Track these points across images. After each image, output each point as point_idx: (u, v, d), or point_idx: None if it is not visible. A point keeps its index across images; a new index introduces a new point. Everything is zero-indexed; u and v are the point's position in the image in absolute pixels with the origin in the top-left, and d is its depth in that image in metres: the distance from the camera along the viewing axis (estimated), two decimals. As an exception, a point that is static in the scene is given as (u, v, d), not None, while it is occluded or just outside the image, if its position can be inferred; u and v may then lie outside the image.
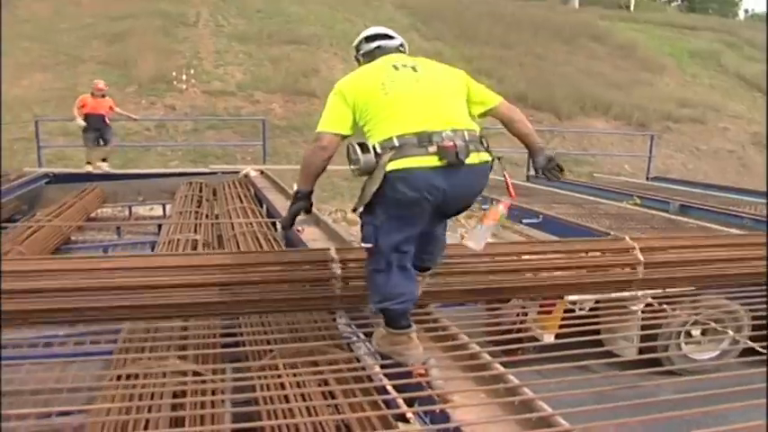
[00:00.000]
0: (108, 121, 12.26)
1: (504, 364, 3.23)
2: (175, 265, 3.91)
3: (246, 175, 10.56)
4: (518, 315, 5.01)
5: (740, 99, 24.75)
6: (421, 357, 3.34)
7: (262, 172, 10.68)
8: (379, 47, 3.63)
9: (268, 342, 3.54)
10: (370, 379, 3.23)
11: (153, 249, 5.93)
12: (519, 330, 4.75)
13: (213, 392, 3.01)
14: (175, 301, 3.68)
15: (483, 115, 3.52)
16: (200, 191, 9.37)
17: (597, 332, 4.20)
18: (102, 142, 12.25)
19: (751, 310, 4.84)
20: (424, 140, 3.02)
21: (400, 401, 2.98)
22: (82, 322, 3.76)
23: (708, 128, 22.19)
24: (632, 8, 42.55)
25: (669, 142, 21.00)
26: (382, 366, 3.35)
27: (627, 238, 4.94)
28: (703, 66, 28.64)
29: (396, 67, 3.32)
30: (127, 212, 11.03)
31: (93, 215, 9.58)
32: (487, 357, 3.33)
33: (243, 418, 2.90)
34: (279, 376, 3.12)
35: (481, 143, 3.20)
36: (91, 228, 7.04)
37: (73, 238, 8.34)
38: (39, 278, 3.61)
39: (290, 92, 19.48)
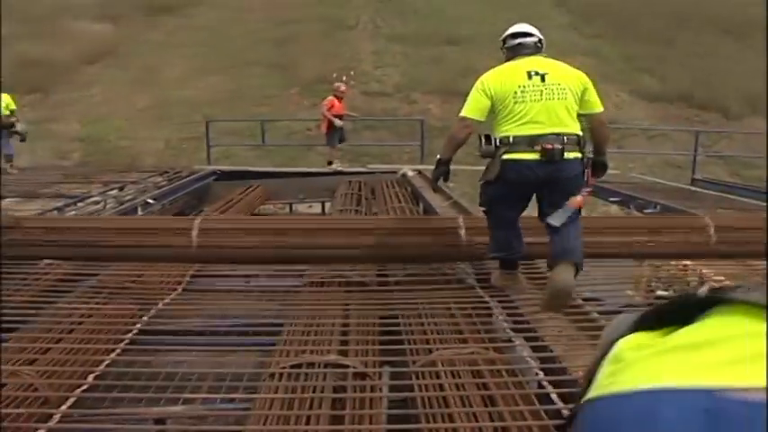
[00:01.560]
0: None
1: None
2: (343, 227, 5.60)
3: (404, 175, 10.66)
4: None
5: None
6: (524, 290, 4.50)
7: (419, 172, 10.76)
8: (520, 44, 4.38)
9: (428, 342, 3.54)
10: (529, 385, 3.16)
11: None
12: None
13: (372, 390, 3.03)
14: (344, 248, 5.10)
15: (584, 114, 4.27)
16: (359, 189, 9.55)
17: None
18: (339, 142, 12.98)
19: None
20: (532, 141, 4.04)
21: (566, 413, 2.88)
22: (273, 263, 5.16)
23: None
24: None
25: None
26: (545, 373, 3.28)
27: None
28: None
29: (529, 75, 4.15)
30: (288, 209, 11.41)
31: (255, 211, 9.96)
32: None
33: (399, 419, 2.90)
34: (438, 376, 3.12)
35: (578, 144, 4.12)
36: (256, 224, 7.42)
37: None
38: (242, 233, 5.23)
39: (448, 92, 19.49)
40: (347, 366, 3.17)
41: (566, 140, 4.03)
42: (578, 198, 4.10)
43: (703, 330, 0.73)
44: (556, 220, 4.08)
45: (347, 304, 4.18)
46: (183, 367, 3.31)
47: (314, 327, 3.73)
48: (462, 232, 5.14)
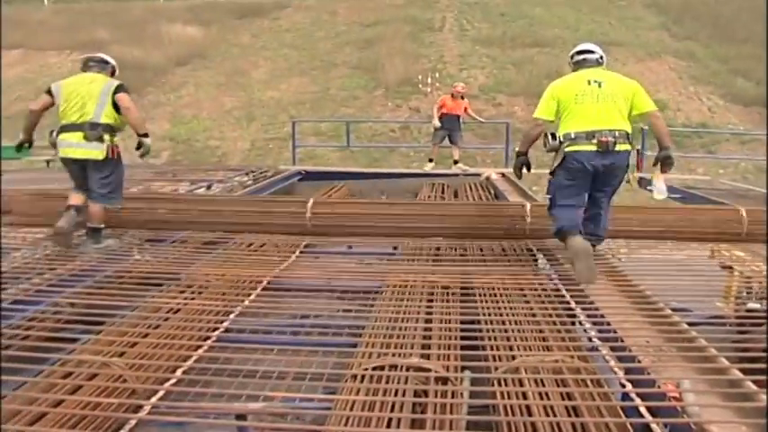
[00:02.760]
0: (462, 122, 12.85)
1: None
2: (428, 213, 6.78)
3: (488, 178, 10.58)
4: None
5: None
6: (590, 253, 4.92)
7: (503, 174, 10.66)
8: (584, 59, 5.42)
9: (511, 348, 3.49)
10: (615, 396, 3.07)
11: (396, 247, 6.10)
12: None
13: (453, 395, 3.00)
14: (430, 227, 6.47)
15: (639, 116, 5.19)
16: (443, 192, 9.52)
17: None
18: (450, 141, 12.88)
19: None
20: (590, 136, 4.99)
21: (654, 427, 2.77)
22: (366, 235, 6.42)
23: None
24: None
25: None
26: (633, 385, 3.18)
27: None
28: None
29: (588, 82, 5.16)
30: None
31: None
32: (752, 387, 2.98)
33: (480, 426, 2.85)
34: (521, 384, 3.06)
35: (627, 138, 5.08)
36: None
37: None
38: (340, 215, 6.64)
39: (533, 95, 19.20)
40: (429, 370, 3.15)
41: (617, 135, 5.00)
42: (656, 173, 5.38)
43: None
44: (658, 191, 5.56)
45: (430, 308, 4.17)
46: (264, 365, 3.35)
47: (396, 330, 3.73)
48: (528, 215, 6.43)
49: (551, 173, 5.22)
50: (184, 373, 3.27)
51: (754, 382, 3.02)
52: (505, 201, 8.36)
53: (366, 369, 3.14)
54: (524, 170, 5.55)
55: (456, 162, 12.78)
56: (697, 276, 5.23)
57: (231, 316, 4.05)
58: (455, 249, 5.91)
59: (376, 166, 15.55)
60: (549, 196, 5.35)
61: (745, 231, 6.32)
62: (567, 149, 5.01)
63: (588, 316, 4.13)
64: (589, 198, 5.31)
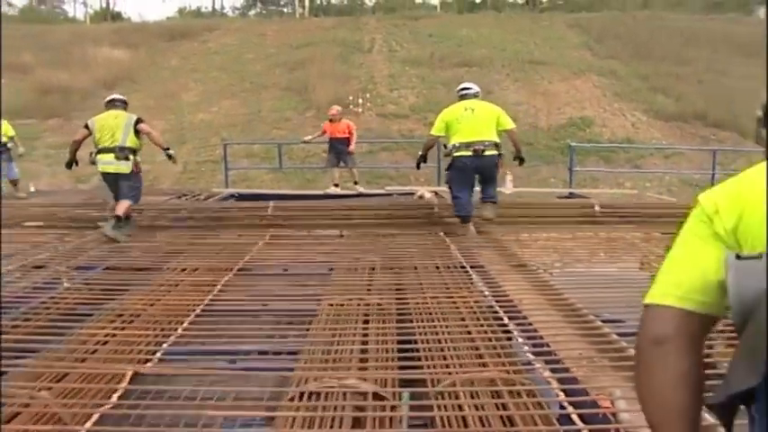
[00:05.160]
0: (350, 145, 12.90)
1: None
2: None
3: (421, 197, 10.66)
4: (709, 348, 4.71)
5: None
6: (474, 237, 7.61)
7: (436, 193, 10.76)
8: (465, 93, 7.91)
9: (447, 366, 3.52)
10: (549, 407, 3.14)
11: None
12: (706, 366, 4.47)
13: (392, 411, 3.03)
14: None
15: (503, 130, 7.70)
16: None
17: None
18: (342, 164, 13.01)
19: None
20: (469, 145, 7.48)
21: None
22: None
23: None
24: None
25: None
26: (566, 395, 3.26)
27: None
28: None
29: (465, 109, 7.68)
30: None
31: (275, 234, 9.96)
32: None
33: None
34: (457, 397, 3.10)
35: (495, 147, 7.56)
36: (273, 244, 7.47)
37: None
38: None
39: (463, 114, 19.57)
40: (365, 390, 3.17)
41: (486, 144, 7.51)
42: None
43: None
44: (506, 189, 8.52)
45: (366, 328, 4.18)
46: (202, 391, 3.31)
47: (333, 352, 3.73)
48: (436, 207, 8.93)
49: (447, 169, 7.98)
50: (120, 398, 3.20)
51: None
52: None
53: (304, 391, 3.14)
54: (422, 164, 8.63)
55: (336, 185, 12.91)
56: (629, 288, 5.36)
57: (164, 345, 3.99)
58: (390, 269, 5.95)
59: (309, 187, 15.54)
60: (447, 186, 8.05)
61: (599, 218, 8.71)
62: (454, 155, 7.62)
63: (522, 331, 4.20)
64: (480, 183, 7.82)
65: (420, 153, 8.44)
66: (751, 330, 1.21)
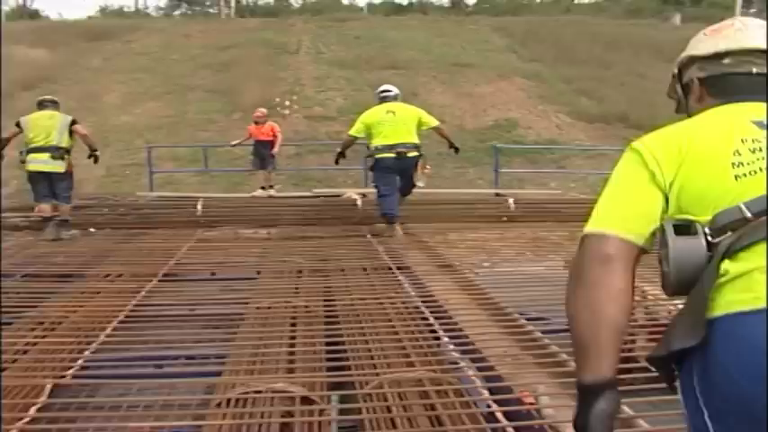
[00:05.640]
0: (273, 148, 12.85)
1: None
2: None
3: (350, 199, 10.69)
4: (626, 343, 4.85)
5: None
6: (401, 235, 7.85)
7: (364, 195, 10.79)
8: (385, 96, 8.11)
9: (375, 366, 3.55)
10: (476, 405, 3.19)
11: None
12: (627, 360, 4.61)
13: (320, 415, 3.02)
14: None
15: (428, 128, 8.12)
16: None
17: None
18: (261, 166, 12.96)
19: None
20: (391, 147, 7.71)
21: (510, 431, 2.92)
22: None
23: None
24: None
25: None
26: (492, 393, 3.32)
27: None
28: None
29: (386, 112, 7.86)
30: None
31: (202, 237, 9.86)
32: None
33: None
34: (386, 399, 3.12)
35: (416, 148, 7.84)
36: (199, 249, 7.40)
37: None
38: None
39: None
40: (294, 393, 3.16)
41: (408, 146, 7.74)
42: (419, 173, 7.94)
43: None
44: (420, 183, 8.07)
45: (294, 331, 4.18)
46: (128, 399, 3.26)
47: (261, 355, 3.71)
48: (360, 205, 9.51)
49: (371, 170, 8.39)
50: (40, 411, 3.12)
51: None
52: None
53: (231, 396, 3.12)
54: (340, 160, 8.67)
55: (263, 188, 12.86)
56: (554, 286, 5.47)
57: (87, 353, 3.90)
58: (318, 271, 5.96)
59: (236, 190, 15.36)
60: (374, 185, 8.31)
61: (512, 213, 9.37)
62: (377, 156, 7.86)
63: (448, 330, 4.25)
64: (401, 180, 7.92)
65: (338, 150, 8.64)
66: (693, 299, 1.44)
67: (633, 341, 4.81)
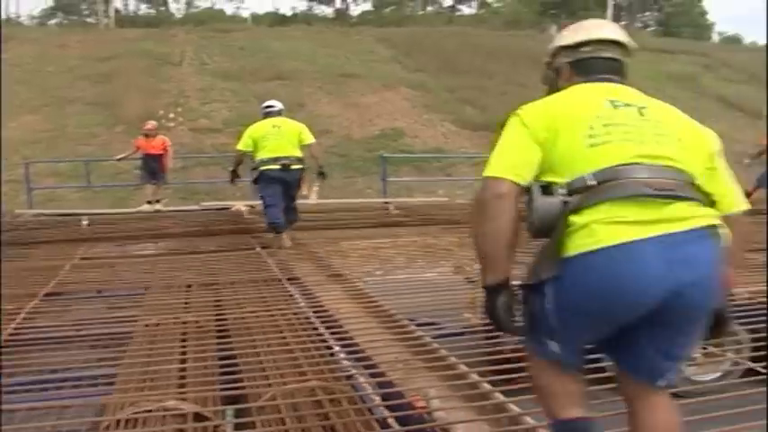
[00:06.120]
0: (164, 162, 12.68)
1: (506, 393, 3.26)
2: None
3: (238, 211, 10.62)
4: (517, 343, 5.01)
5: (721, 120, 24.94)
6: (289, 245, 7.93)
7: (252, 206, 10.73)
8: (269, 111, 8.24)
9: (267, 378, 3.56)
10: (371, 412, 3.25)
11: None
12: (519, 359, 4.77)
13: (215, 430, 3.03)
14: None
15: (306, 145, 8.01)
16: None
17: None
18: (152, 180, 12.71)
19: (751, 330, 4.82)
20: (276, 160, 7.76)
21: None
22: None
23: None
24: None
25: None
26: (383, 399, 3.39)
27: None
28: (682, 88, 28.96)
29: (272, 126, 8.00)
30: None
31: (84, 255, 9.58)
32: (488, 387, 3.33)
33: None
34: (279, 411, 3.15)
35: (300, 161, 7.90)
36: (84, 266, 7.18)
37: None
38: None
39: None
40: (186, 411, 3.14)
41: (292, 159, 7.83)
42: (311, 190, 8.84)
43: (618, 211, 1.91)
44: (312, 199, 9.03)
45: (184, 347, 4.14)
46: (11, 425, 3.16)
47: (151, 373, 3.66)
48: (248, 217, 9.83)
49: (255, 182, 8.10)
50: None
51: (490, 382, 3.39)
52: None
53: (121, 417, 3.07)
54: (235, 179, 8.70)
55: (149, 202, 12.64)
56: (444, 292, 5.62)
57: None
58: (208, 285, 5.91)
59: (122, 205, 14.98)
60: (260, 195, 8.13)
61: (393, 218, 10.11)
62: (262, 168, 7.83)
63: (339, 339, 4.31)
64: (285, 195, 7.92)
65: (230, 168, 8.63)
66: (552, 243, 2.01)
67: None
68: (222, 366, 3.83)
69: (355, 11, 55.68)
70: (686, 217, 1.94)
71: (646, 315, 1.96)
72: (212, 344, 4.22)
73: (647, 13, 60.95)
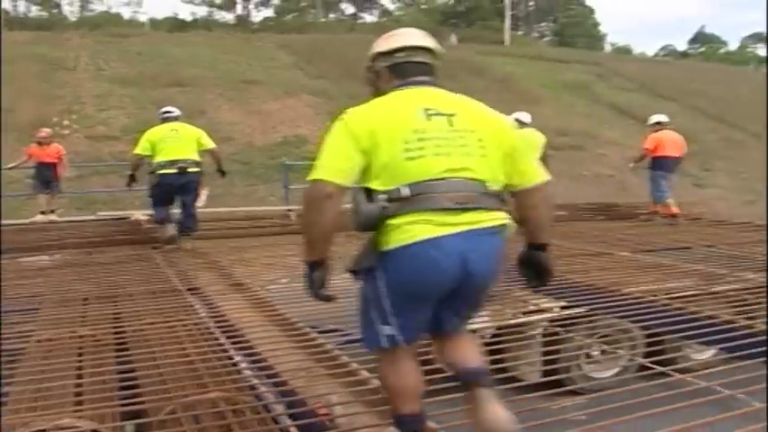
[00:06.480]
0: (58, 170, 12.28)
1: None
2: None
3: (136, 220, 10.39)
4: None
5: (614, 126, 25.92)
6: (189, 247, 8.23)
7: (151, 216, 10.50)
8: (167, 117, 8.36)
9: (168, 391, 3.50)
10: (274, 421, 3.24)
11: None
12: (423, 362, 4.83)
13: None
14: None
15: (204, 151, 8.29)
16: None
17: (501, 360, 4.43)
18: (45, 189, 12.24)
19: (644, 328, 5.02)
20: (173, 163, 7.86)
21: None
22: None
23: (587, 154, 23.03)
24: (507, 44, 44.39)
25: (551, 169, 21.72)
26: (287, 407, 3.38)
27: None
28: (577, 96, 29.98)
29: (171, 129, 8.14)
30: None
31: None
32: None
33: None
34: (181, 424, 3.10)
35: (197, 164, 8.03)
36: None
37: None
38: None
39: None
40: (83, 428, 3.06)
41: (189, 162, 7.93)
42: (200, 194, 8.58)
43: (427, 216, 2.42)
44: (199, 201, 8.60)
45: (80, 362, 4.03)
46: None
47: (44, 390, 3.54)
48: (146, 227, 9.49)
49: (150, 188, 8.21)
50: None
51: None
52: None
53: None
54: (132, 183, 8.53)
55: (43, 212, 12.22)
56: (351, 298, 5.61)
57: None
58: (105, 297, 5.76)
59: (14, 216, 14.37)
60: (151, 201, 8.34)
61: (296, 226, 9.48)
62: (159, 172, 7.91)
63: (241, 349, 4.28)
64: (180, 205, 8.17)
65: (128, 173, 8.54)
66: (372, 240, 2.51)
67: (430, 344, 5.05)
68: (121, 381, 3.74)
69: (257, 17, 55.46)
70: (480, 220, 2.44)
71: (448, 292, 2.50)
72: (110, 358, 4.12)
73: (544, 24, 63.17)
